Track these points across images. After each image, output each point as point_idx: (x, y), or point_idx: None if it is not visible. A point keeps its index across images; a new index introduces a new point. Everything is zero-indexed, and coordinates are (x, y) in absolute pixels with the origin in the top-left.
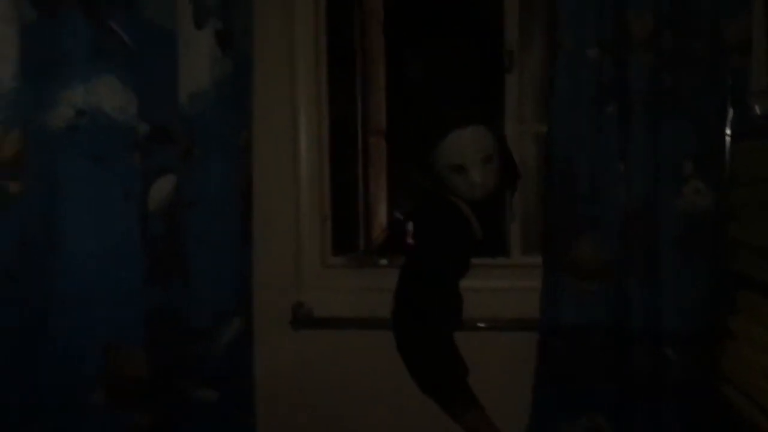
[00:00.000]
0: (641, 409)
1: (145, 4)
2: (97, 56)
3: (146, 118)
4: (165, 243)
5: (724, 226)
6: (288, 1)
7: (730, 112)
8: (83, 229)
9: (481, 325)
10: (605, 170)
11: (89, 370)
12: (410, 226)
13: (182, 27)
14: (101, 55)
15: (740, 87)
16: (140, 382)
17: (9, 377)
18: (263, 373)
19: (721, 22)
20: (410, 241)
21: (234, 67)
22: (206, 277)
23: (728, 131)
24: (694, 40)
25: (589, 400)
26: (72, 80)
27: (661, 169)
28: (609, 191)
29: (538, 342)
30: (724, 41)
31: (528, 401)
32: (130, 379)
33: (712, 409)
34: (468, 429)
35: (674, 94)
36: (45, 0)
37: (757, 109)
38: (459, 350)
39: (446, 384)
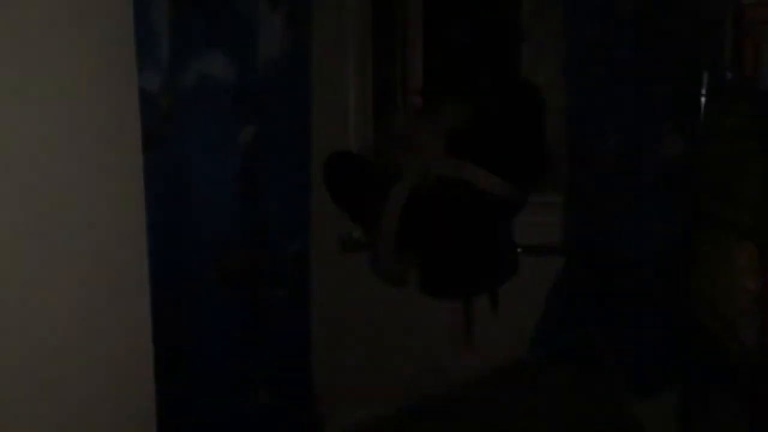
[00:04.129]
0: (625, 320)
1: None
2: (210, 38)
3: (237, 81)
4: (249, 175)
5: (695, 171)
6: None
7: (706, 77)
8: (201, 160)
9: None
10: (603, 124)
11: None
12: None
13: (261, 10)
14: (212, 37)
15: (714, 56)
16: (239, 273)
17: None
18: (318, 283)
19: (699, 3)
20: None
21: (297, 40)
22: (278, 201)
23: (702, 93)
24: (674, 18)
25: (585, 312)
26: (196, 54)
27: (645, 123)
28: (605, 140)
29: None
30: (700, 18)
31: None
32: (232, 270)
33: (683, 318)
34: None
35: (657, 63)
36: (177, 4)
37: (727, 75)
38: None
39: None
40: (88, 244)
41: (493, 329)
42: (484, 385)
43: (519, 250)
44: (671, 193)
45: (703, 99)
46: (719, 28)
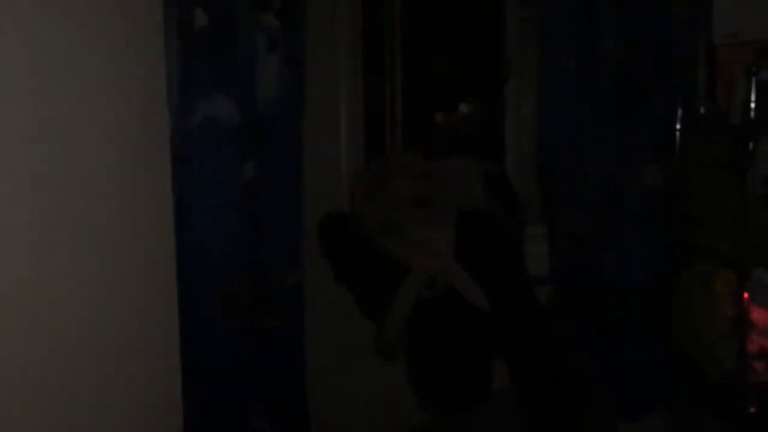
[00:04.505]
0: (610, 346)
1: (240, 43)
2: (214, 80)
3: (239, 120)
4: (250, 207)
5: (673, 201)
6: (332, 31)
7: (680, 112)
8: (206, 195)
9: None
10: (584, 157)
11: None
12: None
13: (260, 52)
14: (216, 80)
15: (688, 92)
16: (242, 302)
17: None
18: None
19: (671, 42)
20: None
21: (293, 79)
22: (276, 232)
23: (678, 126)
24: (649, 56)
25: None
26: (202, 96)
27: (625, 156)
28: (586, 172)
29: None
30: (675, 57)
31: None
32: (236, 299)
33: (665, 344)
34: None
35: (634, 98)
36: (186, 50)
37: (701, 110)
38: None
39: None
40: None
41: None
42: (478, 412)
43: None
44: (651, 223)
45: (678, 133)
46: (693, 66)
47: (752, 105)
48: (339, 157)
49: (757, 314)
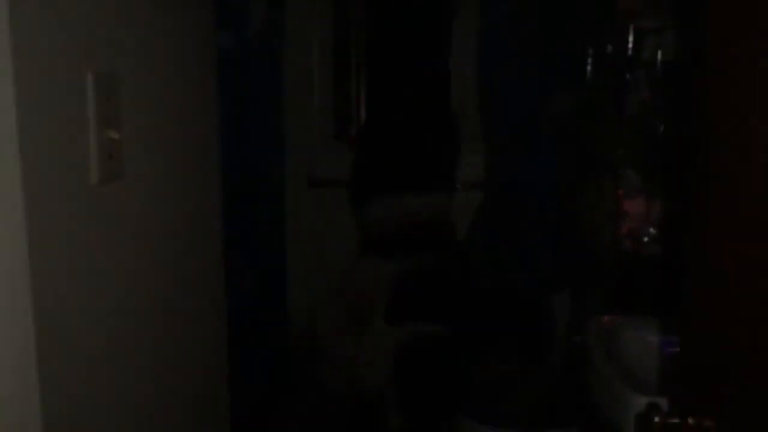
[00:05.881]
0: (530, 237)
1: None
2: None
3: None
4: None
5: (581, 124)
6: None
7: (590, 50)
8: None
9: None
10: (511, 86)
11: None
12: None
13: None
14: None
15: (598, 33)
16: None
17: None
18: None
19: None
20: None
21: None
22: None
23: (589, 62)
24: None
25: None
26: None
27: (544, 87)
28: (512, 98)
29: None
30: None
31: None
32: None
33: (572, 233)
34: None
35: (554, 39)
36: None
37: (609, 48)
38: None
39: None
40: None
41: None
42: None
43: None
44: (564, 141)
45: (588, 68)
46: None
47: (629, 45)
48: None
49: (627, 205)
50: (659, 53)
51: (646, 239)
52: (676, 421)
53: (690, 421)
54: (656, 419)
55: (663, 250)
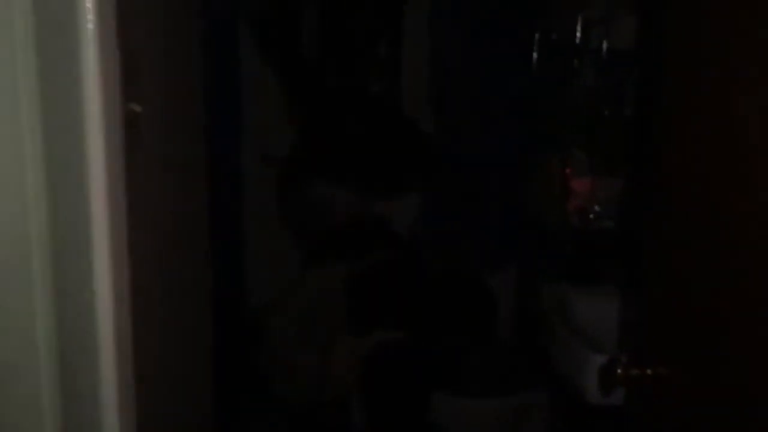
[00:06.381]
0: (481, 213)
1: None
2: None
3: None
4: None
5: (531, 104)
6: None
7: (537, 37)
8: None
9: None
10: (467, 67)
11: None
12: None
13: None
14: None
15: (544, 23)
16: None
17: None
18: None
19: None
20: None
21: None
22: None
23: (535, 48)
24: None
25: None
26: None
27: (495, 68)
28: (466, 82)
29: None
30: None
31: None
32: None
33: (522, 210)
34: None
35: (505, 28)
36: None
37: (554, 36)
38: None
39: None
40: None
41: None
42: None
43: None
44: (516, 119)
45: (534, 54)
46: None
47: (578, 34)
48: None
49: (574, 183)
50: (605, 42)
51: (591, 216)
52: (636, 371)
53: (648, 371)
54: (619, 371)
55: (612, 226)
